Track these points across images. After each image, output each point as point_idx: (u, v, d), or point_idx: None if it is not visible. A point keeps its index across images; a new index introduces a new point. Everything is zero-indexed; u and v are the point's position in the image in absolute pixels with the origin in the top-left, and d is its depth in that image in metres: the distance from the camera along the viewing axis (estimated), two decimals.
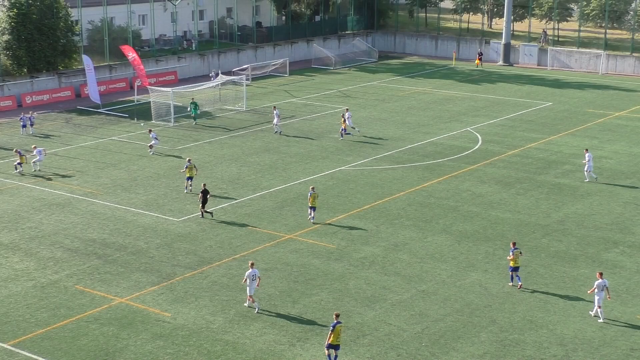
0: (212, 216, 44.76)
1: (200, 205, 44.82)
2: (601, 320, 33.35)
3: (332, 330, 29.50)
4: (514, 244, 37.14)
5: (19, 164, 52.37)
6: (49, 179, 51.34)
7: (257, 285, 34.40)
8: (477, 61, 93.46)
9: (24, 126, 62.57)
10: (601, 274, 33.78)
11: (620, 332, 32.67)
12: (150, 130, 58.00)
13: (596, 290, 33.52)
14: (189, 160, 49.60)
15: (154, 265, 38.69)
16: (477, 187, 50.30)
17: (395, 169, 53.84)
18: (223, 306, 34.69)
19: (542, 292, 36.09)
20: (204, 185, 45.13)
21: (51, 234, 42.61)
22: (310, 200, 43.95)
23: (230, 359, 30.55)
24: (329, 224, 44.02)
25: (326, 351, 29.90)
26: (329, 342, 29.65)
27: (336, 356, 29.90)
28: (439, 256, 40.03)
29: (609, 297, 33.75)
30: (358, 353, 31.01)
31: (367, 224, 44.02)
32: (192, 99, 67.24)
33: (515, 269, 36.73)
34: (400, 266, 38.80)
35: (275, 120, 62.61)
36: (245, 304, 34.54)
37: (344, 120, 61.52)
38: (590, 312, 33.94)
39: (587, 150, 52.64)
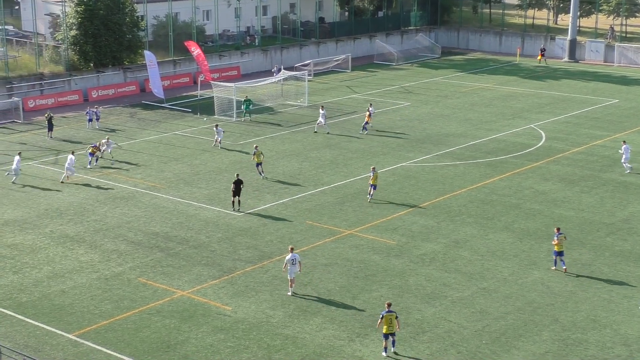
0: (239, 207, 45.39)
1: (232, 195, 45.51)
2: None
3: (381, 319, 30.25)
4: (558, 229, 37.81)
5: (91, 154, 53.27)
6: (114, 170, 52.08)
7: (299, 270, 35.22)
8: (539, 57, 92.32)
9: (90, 120, 63.57)
10: None
11: None
12: (216, 125, 58.55)
13: None
14: (256, 146, 50.92)
15: (215, 259, 39.01)
16: (540, 185, 49.78)
17: (457, 166, 53.52)
18: (283, 301, 34.85)
19: (606, 291, 35.61)
20: (238, 175, 45.94)
21: (115, 226, 43.22)
22: (372, 179, 45.30)
23: (290, 353, 30.68)
24: (390, 219, 43.92)
25: (383, 342, 30.43)
26: (383, 332, 30.28)
27: (393, 341, 30.52)
28: (501, 254, 39.72)
29: None
30: (418, 350, 30.92)
31: (428, 221, 43.84)
32: (246, 96, 67.59)
33: (559, 254, 37.46)
34: (461, 263, 38.58)
35: (320, 120, 61.62)
36: (288, 293, 35.13)
37: (369, 115, 62.15)
38: None
39: (624, 142, 52.15)
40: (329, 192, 48.58)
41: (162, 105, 70.69)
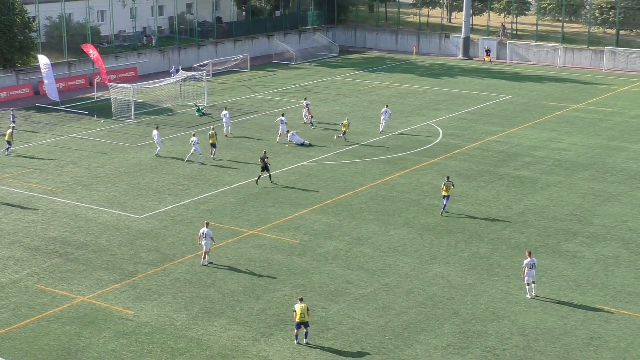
0: (272, 180, 49.59)
1: (260, 170, 49.44)
2: (528, 296, 34.98)
3: (294, 311, 30.92)
4: (448, 177, 44.28)
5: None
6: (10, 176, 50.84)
7: (213, 243, 38.11)
8: (485, 57, 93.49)
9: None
10: (530, 253, 35.10)
11: (580, 321, 32.97)
12: (194, 135, 55.90)
13: (526, 269, 34.78)
14: (213, 128, 54.19)
15: (116, 263, 38.39)
16: (438, 181, 50.39)
17: (357, 163, 53.90)
18: (186, 303, 34.51)
19: (504, 283, 36.33)
20: (265, 152, 50.36)
21: (10, 232, 42.10)
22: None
23: (194, 356, 30.40)
24: (292, 218, 43.95)
25: (295, 330, 31.04)
26: (296, 320, 30.88)
27: (306, 332, 31.11)
28: (402, 249, 40.14)
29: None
30: (322, 347, 31.00)
31: (329, 219, 44.02)
32: (195, 103, 68.76)
33: (446, 198, 44.31)
34: (363, 260, 38.84)
35: (304, 112, 65.02)
36: (204, 264, 37.40)
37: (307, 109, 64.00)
38: (527, 296, 35.05)
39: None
40: (230, 192, 48.35)
41: (58, 107, 69.23)
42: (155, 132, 55.80)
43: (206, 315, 33.43)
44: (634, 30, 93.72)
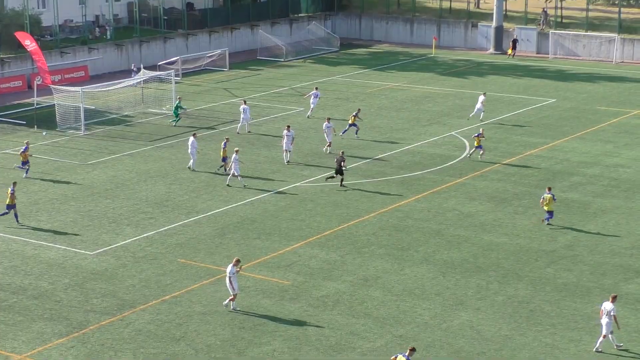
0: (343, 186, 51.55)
1: (335, 173, 52.63)
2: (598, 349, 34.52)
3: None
4: (550, 188, 43.22)
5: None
6: None
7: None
8: (509, 50, 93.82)
9: None
10: (614, 298, 34.71)
11: None
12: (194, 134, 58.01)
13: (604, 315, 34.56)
14: (227, 138, 56.42)
15: (61, 312, 38.18)
16: (465, 206, 50.49)
17: (364, 184, 53.90)
18: None
19: (549, 334, 36.24)
20: (342, 153, 53.54)
21: None
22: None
23: None
24: (283, 254, 43.81)
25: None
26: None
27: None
28: (420, 292, 40.03)
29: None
30: None
31: (329, 254, 43.92)
32: (179, 97, 68.62)
33: (549, 213, 43.03)
34: (371, 306, 38.72)
35: (312, 104, 66.48)
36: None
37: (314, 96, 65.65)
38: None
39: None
40: (205, 221, 48.26)
41: None
42: (191, 139, 57.04)
43: None
44: None
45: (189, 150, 56.45)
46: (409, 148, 61.49)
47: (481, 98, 66.96)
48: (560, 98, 76.31)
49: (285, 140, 57.75)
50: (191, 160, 56.55)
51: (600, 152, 60.35)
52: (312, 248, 44.72)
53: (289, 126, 58.52)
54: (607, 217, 48.84)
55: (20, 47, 75.97)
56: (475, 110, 67.30)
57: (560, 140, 63.60)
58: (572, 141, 63.19)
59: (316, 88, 68.72)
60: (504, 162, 58.14)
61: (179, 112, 66.12)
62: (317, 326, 36.93)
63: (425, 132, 65.65)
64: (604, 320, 34.29)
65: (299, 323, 37.24)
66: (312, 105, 67.44)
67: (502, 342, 35.77)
